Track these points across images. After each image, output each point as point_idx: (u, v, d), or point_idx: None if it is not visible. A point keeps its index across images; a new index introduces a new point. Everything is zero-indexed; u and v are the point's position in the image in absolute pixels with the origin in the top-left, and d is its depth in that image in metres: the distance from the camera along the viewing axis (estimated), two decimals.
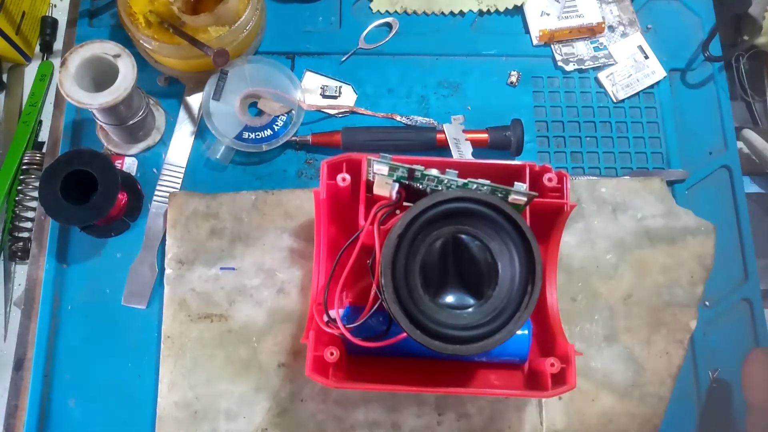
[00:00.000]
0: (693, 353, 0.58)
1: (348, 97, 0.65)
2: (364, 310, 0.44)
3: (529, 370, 0.52)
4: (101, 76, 0.55)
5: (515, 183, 0.44)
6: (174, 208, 0.58)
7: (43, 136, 0.67)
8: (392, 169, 0.44)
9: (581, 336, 0.57)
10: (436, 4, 0.68)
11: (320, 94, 0.65)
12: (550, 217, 0.50)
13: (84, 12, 0.67)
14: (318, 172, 0.59)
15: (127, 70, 0.54)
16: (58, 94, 0.64)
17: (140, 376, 0.56)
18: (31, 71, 0.70)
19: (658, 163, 0.64)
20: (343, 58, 0.66)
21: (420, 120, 0.63)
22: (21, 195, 0.65)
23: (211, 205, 0.59)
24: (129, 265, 0.58)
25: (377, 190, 0.47)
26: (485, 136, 0.62)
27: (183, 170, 0.62)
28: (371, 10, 0.68)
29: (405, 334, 0.41)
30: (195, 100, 0.64)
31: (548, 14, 0.68)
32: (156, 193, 0.60)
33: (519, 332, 0.44)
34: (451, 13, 0.68)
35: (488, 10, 0.69)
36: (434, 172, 0.44)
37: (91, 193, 0.53)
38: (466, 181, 0.44)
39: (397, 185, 0.45)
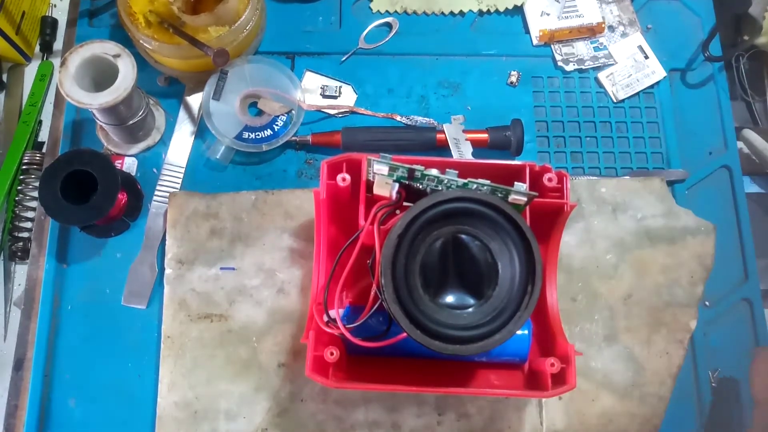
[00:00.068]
0: (693, 353, 0.58)
1: (348, 97, 0.65)
2: (364, 310, 0.43)
3: (529, 370, 0.52)
4: (101, 76, 0.55)
5: (515, 183, 0.44)
6: (174, 208, 0.58)
7: (43, 136, 0.67)
8: (392, 169, 0.44)
9: (581, 336, 0.57)
10: (436, 4, 0.68)
11: (320, 94, 0.65)
12: (550, 217, 0.50)
13: (84, 12, 0.67)
14: (318, 172, 0.59)
15: (127, 70, 0.54)
16: (58, 94, 0.64)
17: (140, 376, 0.56)
18: (31, 71, 0.70)
19: (658, 163, 0.64)
20: (343, 58, 0.66)
21: (420, 120, 0.63)
22: (21, 195, 0.65)
23: (211, 205, 0.59)
24: (129, 265, 0.58)
25: (377, 190, 0.47)
26: (485, 136, 0.62)
27: (183, 170, 0.62)
28: (371, 10, 0.68)
29: (405, 334, 0.41)
30: (195, 100, 0.64)
31: (548, 14, 0.68)
32: (156, 193, 0.60)
33: (519, 332, 0.44)
34: (451, 13, 0.68)
35: (488, 10, 0.69)
36: (434, 172, 0.44)
37: (91, 193, 0.53)
38: (466, 181, 0.44)
39: (397, 185, 0.45)
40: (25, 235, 0.64)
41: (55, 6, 0.73)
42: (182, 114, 0.64)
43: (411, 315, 0.41)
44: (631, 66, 0.67)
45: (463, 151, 0.60)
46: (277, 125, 0.62)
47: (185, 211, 0.58)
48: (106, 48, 0.54)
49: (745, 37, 0.70)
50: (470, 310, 0.42)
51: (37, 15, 0.71)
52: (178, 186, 0.61)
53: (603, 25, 0.68)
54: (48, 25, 0.71)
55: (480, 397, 0.54)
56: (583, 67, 0.67)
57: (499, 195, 0.44)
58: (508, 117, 0.63)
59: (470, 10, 0.68)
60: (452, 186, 0.44)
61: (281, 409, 0.54)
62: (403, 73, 0.66)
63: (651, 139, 0.65)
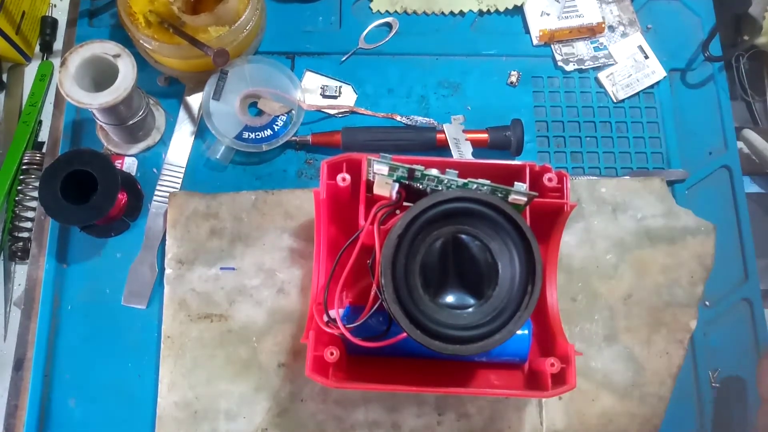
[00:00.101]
0: (693, 353, 0.58)
1: (348, 97, 0.65)
2: (364, 310, 0.43)
3: (529, 370, 0.52)
4: (101, 76, 0.55)
5: (515, 183, 0.44)
6: (174, 208, 0.58)
7: (43, 136, 0.67)
8: (392, 169, 0.44)
9: (581, 336, 0.57)
10: (436, 4, 0.68)
11: (320, 94, 0.65)
12: (550, 217, 0.50)
13: (84, 12, 0.67)
14: (318, 172, 0.59)
15: (127, 70, 0.54)
16: (58, 94, 0.64)
17: (140, 376, 0.56)
18: (31, 71, 0.70)
19: (658, 163, 0.64)
20: (343, 58, 0.66)
21: (420, 120, 0.63)
22: (21, 195, 0.65)
23: (211, 205, 0.59)
24: (129, 265, 0.58)
25: (377, 190, 0.47)
26: (485, 136, 0.62)
27: (183, 170, 0.62)
28: (371, 10, 0.68)
29: (405, 334, 0.41)
30: (195, 100, 0.64)
31: (548, 14, 0.68)
32: (156, 193, 0.60)
33: (519, 332, 0.44)
34: (451, 13, 0.68)
35: (488, 10, 0.69)
36: (434, 172, 0.44)
37: (91, 193, 0.53)
38: (466, 181, 0.44)
39: (397, 185, 0.45)
40: (25, 235, 0.64)
41: (55, 6, 0.73)
42: (182, 114, 0.64)
43: (411, 315, 0.41)
44: (631, 66, 0.67)
45: (463, 151, 0.60)
46: (277, 125, 0.62)
47: (185, 211, 0.58)
48: (106, 48, 0.54)
49: (745, 37, 0.70)
50: (470, 310, 0.42)
51: (37, 15, 0.71)
52: (178, 186, 0.61)
53: (603, 25, 0.68)
54: (48, 25, 0.71)
55: (480, 397, 0.54)
56: (583, 67, 0.67)
57: (499, 195, 0.44)
58: (508, 117, 0.63)
59: (470, 10, 0.68)
60: (452, 186, 0.44)
61: (281, 409, 0.54)
62: (403, 73, 0.66)
63: (651, 139, 0.65)
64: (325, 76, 0.65)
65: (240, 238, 0.58)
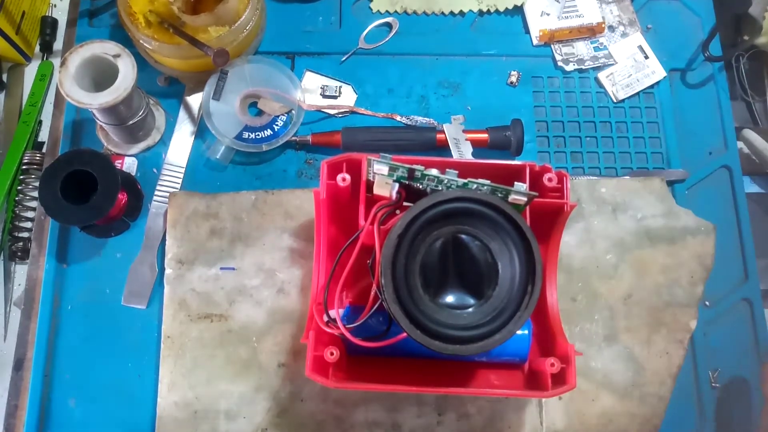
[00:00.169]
0: (693, 353, 0.58)
1: (348, 97, 0.65)
2: (364, 310, 0.43)
3: (529, 370, 0.52)
4: (101, 76, 0.55)
5: (515, 183, 0.44)
6: (174, 208, 0.58)
7: (43, 136, 0.67)
8: (392, 169, 0.44)
9: (581, 336, 0.57)
10: (436, 4, 0.68)
11: (320, 94, 0.65)
12: (550, 217, 0.50)
13: (84, 12, 0.67)
14: (318, 172, 0.59)
15: (127, 70, 0.54)
16: (58, 94, 0.64)
17: (140, 376, 0.56)
18: (31, 71, 0.70)
19: (658, 163, 0.64)
20: (343, 58, 0.66)
21: (420, 120, 0.63)
22: (21, 195, 0.65)
23: (211, 205, 0.59)
24: (129, 265, 0.58)
25: (377, 190, 0.47)
26: (485, 136, 0.62)
27: (183, 170, 0.62)
28: (371, 10, 0.68)
29: (405, 334, 0.41)
30: (195, 100, 0.64)
31: (548, 14, 0.68)
32: (156, 193, 0.60)
33: (519, 332, 0.44)
34: (451, 13, 0.68)
35: (488, 10, 0.69)
36: (434, 172, 0.44)
37: (91, 193, 0.53)
38: (466, 181, 0.44)
39: (397, 185, 0.45)
40: (25, 235, 0.64)
41: (55, 6, 0.73)
42: (182, 114, 0.64)
43: (411, 315, 0.41)
44: (631, 66, 0.67)
45: (463, 151, 0.60)
46: (277, 125, 0.62)
47: (185, 211, 0.58)
48: (106, 48, 0.54)
49: (745, 37, 0.70)
50: (470, 310, 0.42)
51: (37, 15, 0.71)
52: (178, 186, 0.61)
53: (603, 25, 0.68)
54: (48, 25, 0.71)
55: (480, 397, 0.54)
56: (583, 67, 0.67)
57: (499, 195, 0.44)
58: (508, 117, 0.63)
59: (470, 10, 0.68)
60: (452, 186, 0.44)
61: (281, 409, 0.54)
62: (403, 73, 0.66)
63: (651, 139, 0.65)
64: (325, 76, 0.65)
65: (240, 238, 0.58)
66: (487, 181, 0.44)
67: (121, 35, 0.62)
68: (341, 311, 0.51)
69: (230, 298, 0.56)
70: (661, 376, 0.56)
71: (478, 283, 0.43)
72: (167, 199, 0.59)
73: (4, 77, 0.70)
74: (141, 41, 0.59)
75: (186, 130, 0.63)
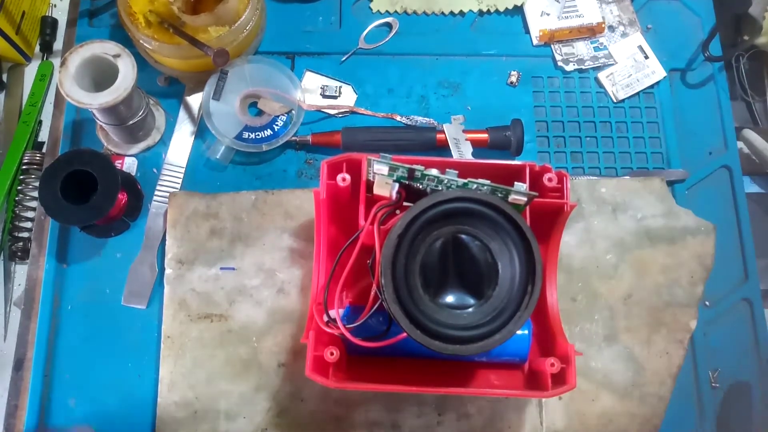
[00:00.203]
0: (693, 353, 0.58)
1: (348, 97, 0.65)
2: (364, 310, 0.43)
3: (529, 370, 0.52)
4: (101, 76, 0.55)
5: (515, 183, 0.44)
6: (174, 208, 0.58)
7: (43, 136, 0.67)
8: (392, 169, 0.44)
9: (581, 336, 0.57)
10: (436, 4, 0.68)
11: (320, 94, 0.65)
12: (550, 217, 0.50)
13: (84, 12, 0.67)
14: (318, 172, 0.59)
15: (127, 70, 0.54)
16: (58, 94, 0.64)
17: (140, 376, 0.56)
18: (31, 71, 0.70)
19: (658, 163, 0.64)
20: (343, 58, 0.66)
21: (420, 120, 0.63)
22: (21, 195, 0.65)
23: (211, 205, 0.59)
24: (129, 265, 0.58)
25: (377, 190, 0.47)
26: (485, 136, 0.62)
27: (183, 170, 0.62)
28: (371, 10, 0.68)
29: (405, 334, 0.41)
30: (195, 100, 0.64)
31: (548, 14, 0.68)
32: (156, 193, 0.60)
33: (519, 332, 0.44)
34: (451, 13, 0.68)
35: (488, 10, 0.69)
36: (434, 172, 0.44)
37: (91, 193, 0.53)
38: (466, 181, 0.44)
39: (397, 185, 0.45)
40: (25, 235, 0.64)
41: (55, 6, 0.73)
42: (182, 114, 0.64)
43: (411, 315, 0.41)
44: (631, 66, 0.67)
45: (463, 151, 0.60)
46: (277, 125, 0.62)
47: (185, 211, 0.58)
48: (106, 48, 0.54)
49: (745, 37, 0.70)
50: (470, 310, 0.42)
51: (37, 15, 0.71)
52: (178, 186, 0.61)
53: (603, 25, 0.68)
54: (48, 25, 0.71)
55: (480, 397, 0.54)
56: (583, 67, 0.67)
57: (499, 195, 0.44)
58: (508, 117, 0.63)
59: (470, 10, 0.68)
60: (452, 186, 0.44)
61: (281, 409, 0.54)
62: (403, 73, 0.66)
63: (651, 139, 0.65)
64: (325, 76, 0.65)
65: (240, 238, 0.58)
66: (487, 181, 0.44)
67: (121, 35, 0.62)
68: (341, 311, 0.51)
69: (230, 298, 0.56)
70: (661, 376, 0.56)
71: (478, 283, 0.43)
72: (167, 199, 0.59)
73: (4, 77, 0.70)
74: (141, 41, 0.59)
75: (186, 130, 0.63)
